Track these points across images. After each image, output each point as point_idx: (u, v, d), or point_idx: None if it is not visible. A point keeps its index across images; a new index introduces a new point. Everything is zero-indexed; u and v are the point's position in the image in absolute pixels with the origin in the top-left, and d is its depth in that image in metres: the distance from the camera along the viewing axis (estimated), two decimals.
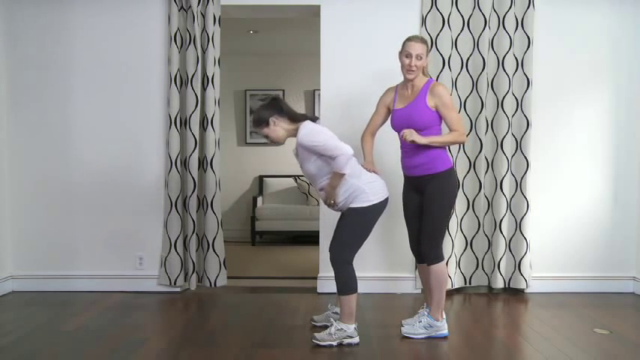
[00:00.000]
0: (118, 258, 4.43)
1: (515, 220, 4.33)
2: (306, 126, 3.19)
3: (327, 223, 4.30)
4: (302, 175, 7.25)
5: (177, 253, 4.31)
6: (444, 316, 3.34)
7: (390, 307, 4.04)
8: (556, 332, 3.44)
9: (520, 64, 4.27)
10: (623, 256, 4.43)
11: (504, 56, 4.23)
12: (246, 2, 4.36)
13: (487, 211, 4.37)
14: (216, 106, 4.34)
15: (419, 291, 4.36)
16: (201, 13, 4.27)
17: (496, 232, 4.32)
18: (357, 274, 3.24)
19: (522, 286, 4.31)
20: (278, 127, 3.26)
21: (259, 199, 7.39)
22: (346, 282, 3.18)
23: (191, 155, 4.29)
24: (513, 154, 4.32)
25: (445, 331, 3.33)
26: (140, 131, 4.40)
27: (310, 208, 7.05)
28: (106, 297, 4.24)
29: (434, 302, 3.32)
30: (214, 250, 4.38)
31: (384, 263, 4.41)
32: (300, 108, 7.65)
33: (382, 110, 3.49)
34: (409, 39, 3.26)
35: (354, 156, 3.17)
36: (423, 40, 3.26)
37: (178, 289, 4.42)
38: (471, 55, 4.26)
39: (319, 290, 4.42)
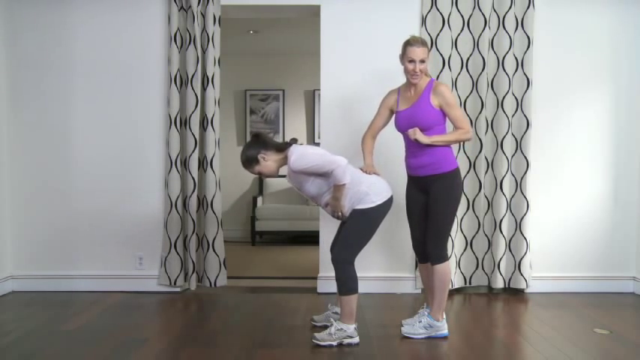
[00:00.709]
0: (118, 258, 4.44)
1: (515, 220, 4.33)
2: (294, 151, 3.20)
3: (327, 223, 4.30)
4: None
5: (177, 253, 4.31)
6: (444, 317, 3.34)
7: (390, 307, 4.04)
8: (556, 332, 3.44)
9: (520, 64, 4.27)
10: (623, 256, 4.43)
11: (504, 56, 4.23)
12: (246, 2, 4.36)
13: (487, 211, 4.37)
14: (216, 106, 4.34)
15: (419, 291, 4.37)
16: (201, 13, 4.27)
17: (496, 232, 4.33)
18: (358, 274, 3.24)
19: (522, 286, 4.32)
20: (269, 161, 3.27)
21: (259, 199, 7.39)
22: (347, 282, 3.18)
23: (191, 155, 4.29)
24: (513, 154, 4.32)
25: (445, 331, 3.33)
26: (140, 131, 4.40)
27: (310, 208, 7.05)
28: (106, 297, 4.24)
29: (435, 302, 3.32)
30: (214, 250, 4.38)
31: (384, 263, 4.41)
32: (300, 108, 7.67)
33: (384, 112, 3.48)
34: (410, 43, 3.22)
35: (350, 162, 3.17)
36: (424, 43, 3.24)
37: (178, 289, 4.42)
38: (470, 55, 4.27)
39: (319, 290, 4.42)
